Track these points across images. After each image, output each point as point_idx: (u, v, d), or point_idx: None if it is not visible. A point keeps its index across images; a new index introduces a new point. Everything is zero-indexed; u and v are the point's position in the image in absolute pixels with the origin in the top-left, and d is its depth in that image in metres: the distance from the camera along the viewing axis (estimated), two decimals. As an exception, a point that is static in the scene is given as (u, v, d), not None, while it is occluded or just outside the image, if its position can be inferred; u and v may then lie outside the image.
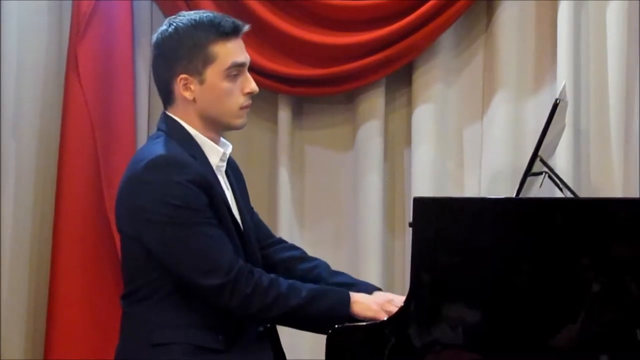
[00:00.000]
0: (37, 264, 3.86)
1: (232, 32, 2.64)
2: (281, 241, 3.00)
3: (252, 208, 2.91)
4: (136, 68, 3.86)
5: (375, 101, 3.83)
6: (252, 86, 2.68)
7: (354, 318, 2.63)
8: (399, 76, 3.87)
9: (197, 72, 2.62)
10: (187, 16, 2.67)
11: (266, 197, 3.88)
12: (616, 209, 2.58)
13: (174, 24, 2.66)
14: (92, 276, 3.77)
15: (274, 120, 3.87)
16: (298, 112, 3.91)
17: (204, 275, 2.53)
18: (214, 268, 2.53)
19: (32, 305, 3.86)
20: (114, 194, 3.67)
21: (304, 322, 2.63)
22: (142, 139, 3.87)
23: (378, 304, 2.65)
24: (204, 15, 2.66)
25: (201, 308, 2.58)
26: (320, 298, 2.61)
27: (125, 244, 2.66)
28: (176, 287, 2.58)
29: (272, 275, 2.62)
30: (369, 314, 2.62)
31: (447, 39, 3.81)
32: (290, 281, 2.63)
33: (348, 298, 2.64)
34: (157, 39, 2.68)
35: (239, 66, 2.65)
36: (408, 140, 3.86)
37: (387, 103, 3.86)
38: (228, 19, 2.66)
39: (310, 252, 3.87)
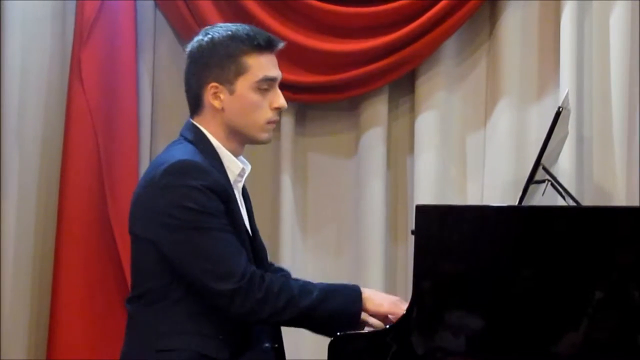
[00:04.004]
0: (40, 267, 3.87)
1: (266, 46, 2.66)
2: None
3: (257, 230, 2.87)
4: (139, 74, 3.86)
5: (378, 108, 3.83)
6: (281, 101, 2.69)
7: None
8: (402, 83, 3.87)
9: (228, 82, 2.63)
10: (223, 27, 2.69)
11: (269, 204, 3.88)
12: (619, 217, 2.58)
13: (210, 33, 2.67)
14: (94, 280, 3.77)
15: (277, 126, 3.81)
16: (301, 118, 3.91)
17: (218, 280, 2.53)
18: (228, 273, 2.53)
19: (35, 308, 3.87)
20: (117, 199, 3.74)
21: (316, 322, 2.61)
22: (145, 145, 3.87)
23: (390, 300, 2.65)
24: (241, 27, 2.68)
25: (209, 317, 2.58)
26: (331, 297, 2.60)
27: (138, 247, 2.65)
28: (186, 293, 2.58)
29: (283, 279, 2.62)
30: (382, 310, 2.62)
31: (450, 46, 3.81)
32: (302, 282, 2.63)
33: (360, 294, 2.63)
34: (192, 47, 2.69)
35: (270, 80, 2.66)
36: (411, 148, 3.86)
37: (390, 110, 3.86)
38: (263, 33, 2.68)
39: (313, 259, 3.90)
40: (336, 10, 3.75)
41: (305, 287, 2.60)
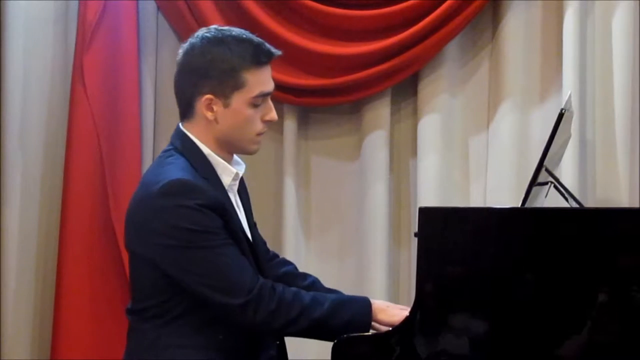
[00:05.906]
0: (43, 271, 3.87)
1: (266, 61, 2.62)
2: (275, 256, 2.99)
3: (255, 223, 2.87)
4: (142, 78, 3.87)
5: (380, 111, 3.84)
6: (273, 114, 2.66)
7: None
8: (405, 86, 3.87)
9: (224, 96, 2.59)
10: (220, 34, 2.61)
11: (272, 207, 3.89)
12: (622, 219, 2.58)
13: (206, 39, 2.60)
14: (97, 285, 3.78)
15: (280, 130, 3.87)
16: (304, 122, 3.91)
17: (227, 295, 2.52)
18: (237, 287, 2.52)
19: (39, 313, 3.88)
20: (119, 204, 3.74)
21: (326, 333, 2.60)
22: (147, 149, 3.87)
23: (401, 309, 2.65)
24: (239, 37, 2.61)
25: (211, 331, 2.57)
26: (342, 308, 2.60)
27: (135, 263, 2.64)
28: (186, 309, 2.57)
29: (294, 289, 2.61)
30: (395, 319, 2.60)
31: (452, 49, 3.82)
32: (312, 293, 2.63)
33: (369, 306, 2.63)
34: (187, 51, 2.63)
35: (265, 95, 2.64)
36: (414, 150, 3.86)
37: (392, 113, 3.86)
38: (264, 46, 2.62)
39: (316, 262, 3.90)
40: (338, 13, 3.75)
41: (317, 298, 2.60)
